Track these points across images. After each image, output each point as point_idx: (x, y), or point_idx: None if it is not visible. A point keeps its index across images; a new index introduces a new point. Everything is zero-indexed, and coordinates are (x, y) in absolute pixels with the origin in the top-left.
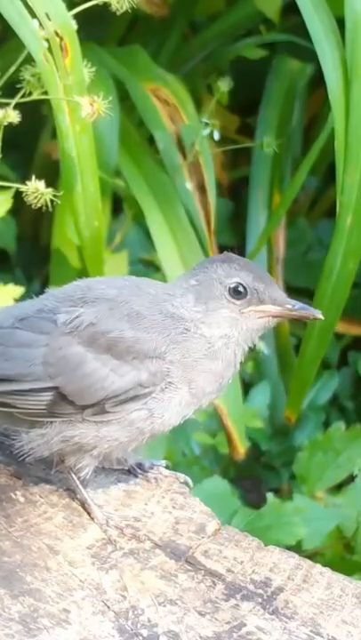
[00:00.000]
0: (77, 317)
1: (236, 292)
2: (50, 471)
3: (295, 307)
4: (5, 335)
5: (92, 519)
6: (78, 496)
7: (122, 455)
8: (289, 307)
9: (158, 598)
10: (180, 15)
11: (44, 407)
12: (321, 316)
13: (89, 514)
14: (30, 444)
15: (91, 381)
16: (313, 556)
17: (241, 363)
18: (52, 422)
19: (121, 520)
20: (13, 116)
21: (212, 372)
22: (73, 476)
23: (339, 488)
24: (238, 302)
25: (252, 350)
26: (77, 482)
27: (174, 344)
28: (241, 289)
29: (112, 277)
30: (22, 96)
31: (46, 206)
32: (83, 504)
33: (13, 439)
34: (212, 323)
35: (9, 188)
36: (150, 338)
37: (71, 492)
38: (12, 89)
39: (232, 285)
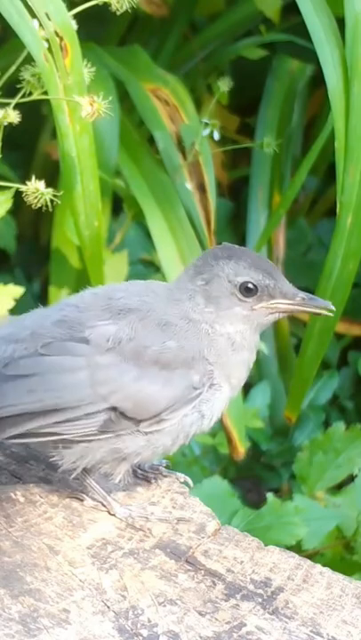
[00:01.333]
0: (115, 333)
1: (247, 290)
2: (50, 471)
3: (305, 299)
4: (32, 365)
5: (114, 515)
6: (96, 496)
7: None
8: (299, 299)
9: (158, 598)
10: (180, 15)
11: (95, 429)
12: (332, 307)
13: (109, 511)
14: (71, 458)
15: (147, 396)
16: (313, 556)
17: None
18: (98, 438)
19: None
20: (13, 116)
21: (243, 362)
22: (88, 477)
23: (339, 488)
24: (250, 300)
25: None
26: (92, 482)
27: (209, 346)
28: (251, 286)
29: (126, 283)
30: (22, 96)
31: (46, 206)
32: (102, 503)
33: (50, 455)
34: (225, 321)
35: (9, 187)
36: (191, 344)
37: (78, 493)
38: (11, 89)
39: (242, 284)
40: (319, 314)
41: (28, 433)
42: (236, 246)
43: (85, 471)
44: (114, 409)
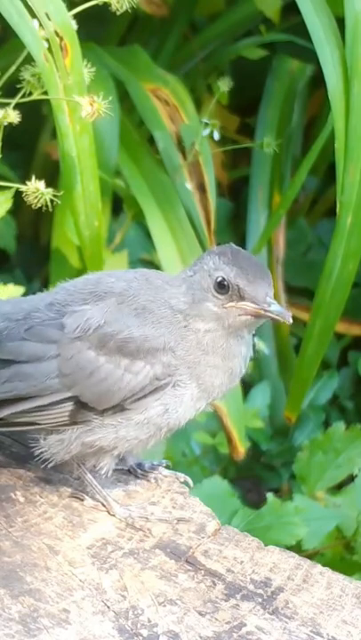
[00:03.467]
0: (86, 321)
1: (221, 287)
2: (50, 471)
3: (270, 307)
4: (15, 349)
5: (113, 515)
6: (96, 496)
7: (142, 451)
8: (265, 306)
9: (158, 598)
10: (180, 15)
11: (66, 418)
12: (290, 320)
13: (108, 511)
14: (50, 450)
15: (107, 385)
16: (313, 556)
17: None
18: (71, 428)
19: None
20: (13, 116)
21: (215, 366)
22: (88, 476)
23: (339, 488)
24: (222, 297)
25: (252, 350)
26: (94, 482)
27: (179, 339)
28: (225, 283)
29: (123, 270)
30: (22, 96)
31: (46, 206)
32: (102, 503)
33: (31, 446)
34: (197, 315)
35: (9, 187)
36: (159, 334)
37: (78, 493)
38: (12, 89)
39: (217, 279)
40: (278, 322)
41: (5, 422)
42: (236, 247)
43: (81, 466)
44: (76, 398)
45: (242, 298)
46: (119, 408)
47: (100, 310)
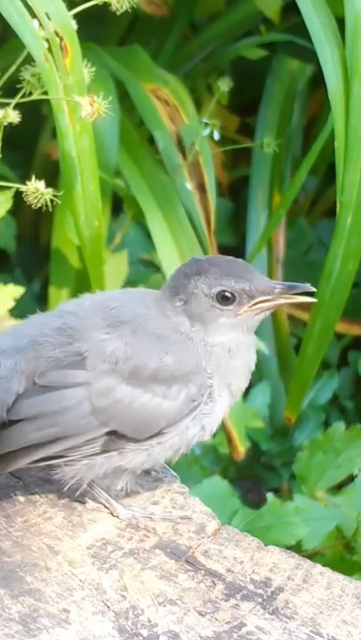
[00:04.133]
0: (111, 353)
1: (225, 299)
2: (50, 471)
3: (284, 288)
4: (35, 405)
5: (117, 517)
6: (98, 497)
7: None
8: (278, 291)
9: (158, 598)
10: (180, 15)
11: (98, 449)
12: (312, 288)
13: (111, 513)
14: (76, 475)
15: (147, 415)
16: (313, 556)
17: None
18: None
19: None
20: (13, 116)
21: (242, 366)
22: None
23: (339, 488)
24: (231, 307)
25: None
26: (95, 484)
27: (206, 357)
28: (228, 294)
29: (118, 293)
30: (22, 96)
31: (46, 206)
32: (104, 504)
33: (53, 472)
34: (215, 334)
35: (9, 187)
36: (188, 357)
37: (80, 497)
38: (12, 89)
39: (218, 294)
40: (301, 301)
41: (33, 463)
42: (203, 258)
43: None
44: (115, 432)
45: (252, 298)
46: (157, 435)
47: (121, 340)
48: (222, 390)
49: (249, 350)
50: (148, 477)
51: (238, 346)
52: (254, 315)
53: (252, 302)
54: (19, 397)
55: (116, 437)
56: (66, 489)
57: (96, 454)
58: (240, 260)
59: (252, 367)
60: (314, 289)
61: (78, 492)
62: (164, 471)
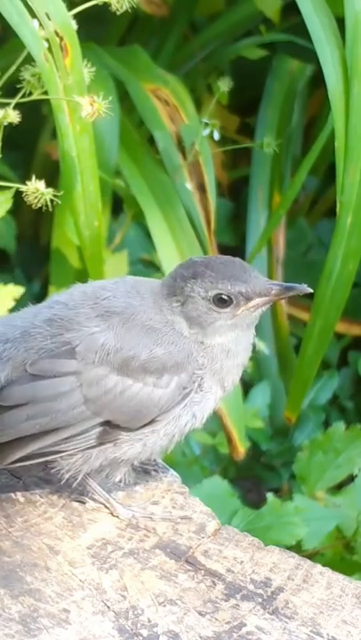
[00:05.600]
0: (102, 346)
1: (222, 301)
2: (50, 471)
3: (281, 288)
4: (26, 392)
5: (117, 517)
6: (98, 497)
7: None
8: (275, 292)
9: (158, 598)
10: (180, 15)
11: (93, 441)
12: (309, 290)
13: (111, 513)
14: (71, 469)
15: (139, 404)
16: (313, 556)
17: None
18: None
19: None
20: (13, 116)
21: (237, 366)
22: (89, 480)
23: (339, 488)
24: (228, 309)
25: (252, 350)
26: (94, 484)
27: (201, 350)
28: (225, 297)
29: (112, 282)
30: (22, 96)
31: (46, 206)
32: (104, 504)
33: (50, 465)
34: (215, 335)
35: (9, 187)
36: (178, 348)
37: (80, 497)
38: (12, 89)
39: (215, 297)
40: (297, 294)
41: (28, 455)
42: (199, 260)
43: (86, 475)
44: (108, 422)
45: (249, 299)
46: (151, 422)
47: (111, 332)
48: (214, 384)
49: (246, 348)
50: (148, 477)
51: (237, 346)
52: (251, 313)
53: (249, 303)
54: (10, 383)
55: (110, 428)
56: (63, 482)
57: (92, 447)
58: (237, 260)
59: (246, 362)
60: (310, 290)
61: (75, 484)
62: (164, 470)
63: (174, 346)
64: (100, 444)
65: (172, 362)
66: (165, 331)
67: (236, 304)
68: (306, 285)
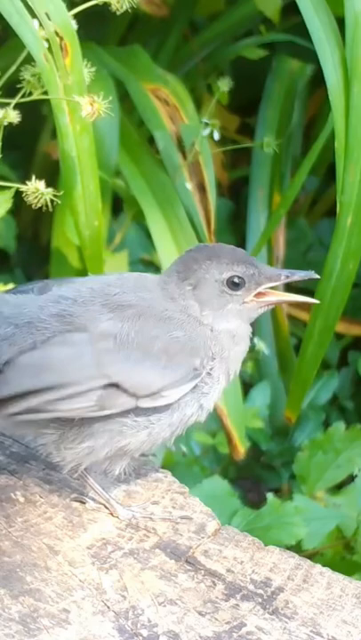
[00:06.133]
0: (122, 327)
1: (234, 284)
2: (50, 471)
3: (290, 275)
4: (36, 355)
5: (117, 517)
6: (98, 498)
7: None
8: (284, 278)
9: (158, 598)
10: (180, 15)
11: (93, 404)
12: (316, 275)
13: (112, 513)
14: (75, 458)
15: (149, 373)
16: (313, 556)
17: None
18: (103, 434)
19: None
20: (13, 116)
21: (241, 353)
22: (90, 479)
23: (339, 488)
24: (239, 292)
25: (252, 350)
26: (95, 484)
27: (212, 339)
28: (237, 280)
29: (115, 277)
30: (22, 96)
31: (46, 206)
32: (104, 505)
33: (49, 455)
34: (223, 320)
35: (9, 187)
36: (197, 334)
37: (80, 497)
38: (12, 89)
39: (229, 279)
40: (304, 301)
41: (29, 409)
42: (210, 245)
43: (86, 469)
44: (115, 385)
45: (259, 284)
46: (156, 396)
47: (130, 320)
48: (222, 373)
49: (247, 338)
50: (148, 477)
51: (243, 333)
52: (259, 307)
53: (259, 288)
54: (18, 352)
55: (114, 392)
56: (65, 471)
57: (93, 410)
58: (242, 250)
59: (246, 352)
60: (318, 276)
61: (75, 475)
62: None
63: (192, 331)
64: (102, 408)
65: (191, 345)
66: (183, 318)
67: (248, 288)
68: (313, 272)
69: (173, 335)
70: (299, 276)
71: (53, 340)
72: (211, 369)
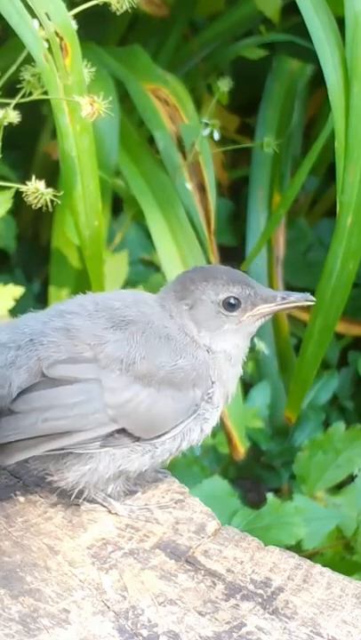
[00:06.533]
0: (128, 353)
1: (230, 305)
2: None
3: (285, 298)
4: (44, 397)
5: (115, 514)
6: (95, 497)
7: None
8: (279, 300)
9: (158, 598)
10: (180, 15)
11: (97, 444)
12: (312, 299)
13: (109, 511)
14: (79, 480)
15: (157, 416)
16: (313, 556)
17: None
18: (105, 457)
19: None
20: (13, 116)
21: (236, 375)
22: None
23: (339, 488)
24: (235, 313)
25: (252, 350)
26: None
27: (212, 362)
28: (233, 301)
29: (114, 293)
30: (22, 96)
31: (46, 206)
32: (101, 503)
33: (51, 475)
34: (219, 340)
35: (9, 187)
36: (199, 362)
37: (75, 500)
38: (12, 89)
39: (225, 300)
40: (301, 306)
41: (35, 456)
42: (207, 266)
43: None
44: (122, 430)
45: (255, 305)
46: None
47: (133, 341)
48: (221, 398)
49: (242, 357)
50: (148, 478)
51: (239, 353)
52: (255, 320)
53: (255, 308)
54: (26, 389)
55: (120, 435)
56: (73, 495)
57: (96, 448)
58: (238, 271)
59: (241, 372)
60: (313, 299)
61: (83, 497)
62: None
63: (195, 358)
64: (104, 446)
65: (193, 375)
66: (182, 339)
67: (244, 308)
68: (309, 294)
69: (178, 365)
70: (295, 298)
71: (59, 374)
72: (210, 396)
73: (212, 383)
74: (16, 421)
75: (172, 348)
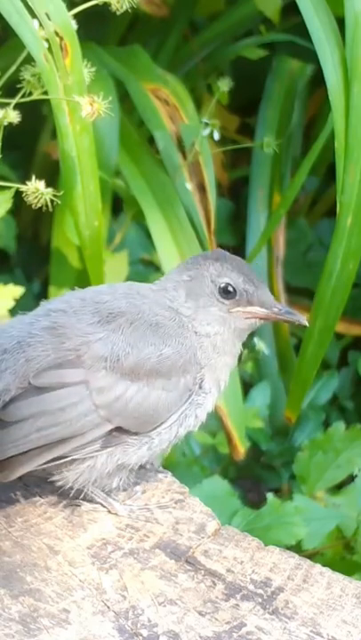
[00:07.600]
0: (112, 350)
1: (226, 292)
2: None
3: (281, 310)
4: (33, 405)
5: (115, 514)
6: (95, 498)
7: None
8: (275, 310)
9: (158, 598)
10: (180, 15)
11: (98, 446)
12: (306, 323)
13: (109, 511)
14: (79, 479)
15: (150, 409)
16: (313, 556)
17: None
18: (102, 453)
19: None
20: (13, 116)
21: (228, 365)
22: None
23: (339, 488)
24: (227, 302)
25: (252, 350)
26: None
27: (198, 347)
28: (230, 289)
29: (106, 286)
30: (22, 96)
31: (46, 206)
32: (101, 503)
33: (51, 475)
34: (203, 320)
35: (9, 187)
36: (185, 348)
37: (75, 500)
38: (12, 89)
39: (222, 285)
40: (293, 324)
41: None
42: (228, 254)
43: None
44: (118, 428)
45: (250, 303)
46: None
47: (119, 335)
48: (213, 384)
49: (232, 355)
50: (148, 478)
51: (223, 345)
52: (244, 317)
53: (248, 307)
54: (14, 398)
55: (118, 433)
56: (71, 494)
57: (97, 451)
58: (251, 268)
59: (233, 366)
60: (306, 323)
61: (82, 495)
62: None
63: (182, 345)
64: (105, 447)
65: (181, 362)
66: (171, 325)
67: (237, 301)
68: (305, 319)
69: (163, 354)
70: (288, 317)
71: (46, 381)
72: (202, 381)
73: (201, 368)
74: (10, 434)
75: (159, 335)
